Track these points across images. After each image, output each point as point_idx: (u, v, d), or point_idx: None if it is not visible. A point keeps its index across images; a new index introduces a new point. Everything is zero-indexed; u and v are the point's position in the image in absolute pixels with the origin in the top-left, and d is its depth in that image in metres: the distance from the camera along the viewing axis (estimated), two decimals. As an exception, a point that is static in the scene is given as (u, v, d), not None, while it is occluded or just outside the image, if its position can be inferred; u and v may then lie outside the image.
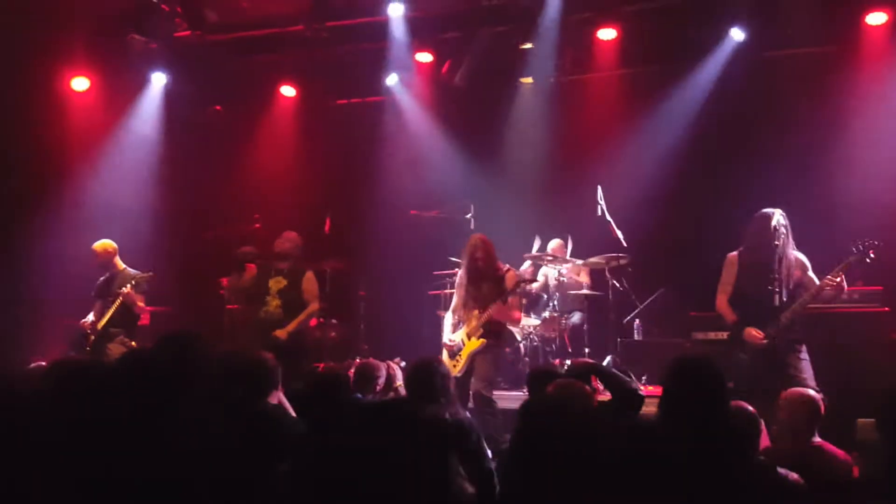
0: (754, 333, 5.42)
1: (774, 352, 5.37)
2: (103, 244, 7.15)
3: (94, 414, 2.69)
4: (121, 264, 7.18)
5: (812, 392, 4.07)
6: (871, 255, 5.34)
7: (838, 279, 5.33)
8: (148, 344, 7.07)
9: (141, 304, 7.06)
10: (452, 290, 6.69)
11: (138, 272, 7.10)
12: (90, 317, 7.03)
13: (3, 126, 8.42)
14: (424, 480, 2.20)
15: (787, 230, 5.53)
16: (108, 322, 6.92)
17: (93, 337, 6.89)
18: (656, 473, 2.32)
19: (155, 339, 3.40)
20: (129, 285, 6.86)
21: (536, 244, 8.02)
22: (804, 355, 5.42)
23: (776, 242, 5.46)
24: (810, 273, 5.58)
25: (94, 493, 2.30)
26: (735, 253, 5.77)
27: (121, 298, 6.85)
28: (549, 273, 8.40)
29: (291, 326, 6.56)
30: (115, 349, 6.79)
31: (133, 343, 6.93)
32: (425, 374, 3.85)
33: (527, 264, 8.28)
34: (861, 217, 7.24)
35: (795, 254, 5.60)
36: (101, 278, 7.21)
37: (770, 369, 5.31)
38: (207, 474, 2.36)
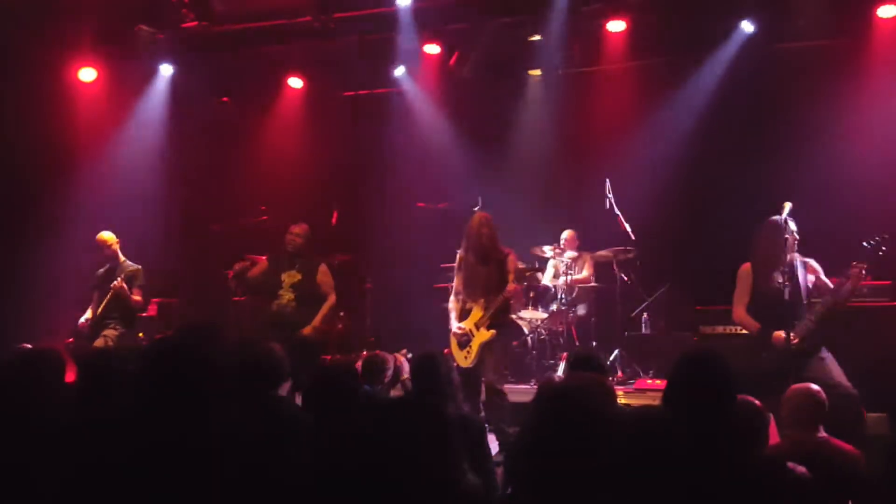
0: (783, 336, 5.37)
1: (798, 356, 5.31)
2: (109, 236, 7.23)
3: (117, 406, 2.70)
4: (121, 256, 7.24)
5: (815, 386, 4.02)
6: (884, 250, 5.29)
7: (860, 276, 5.29)
8: (156, 334, 7.22)
9: (137, 297, 7.14)
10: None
11: (135, 265, 7.17)
12: (87, 314, 7.15)
13: (11, 116, 8.44)
14: (428, 475, 2.18)
15: (791, 233, 5.49)
16: (103, 313, 7.07)
17: (90, 330, 7.06)
18: (662, 466, 2.31)
19: (171, 329, 3.41)
20: (119, 278, 6.96)
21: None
22: (825, 354, 5.40)
23: (784, 238, 5.44)
24: (823, 277, 5.54)
25: (113, 486, 2.29)
26: (748, 264, 5.69)
27: (112, 291, 6.99)
28: (557, 265, 8.38)
29: (317, 321, 6.51)
30: (109, 333, 7.00)
31: (123, 331, 7.08)
32: (430, 367, 3.83)
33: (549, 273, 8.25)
34: (873, 210, 7.21)
35: (806, 259, 5.57)
36: (101, 269, 7.29)
37: (792, 373, 5.27)
38: (226, 468, 2.35)
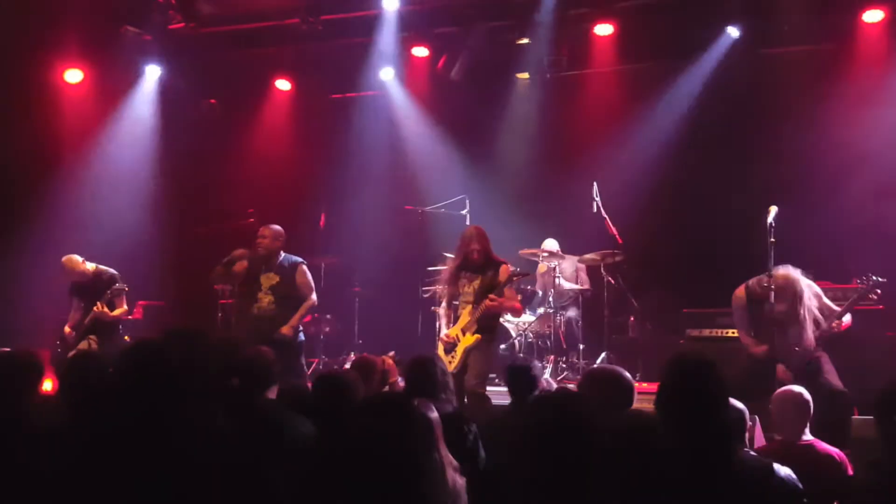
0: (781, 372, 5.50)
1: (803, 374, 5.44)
2: (69, 262, 7.09)
3: (100, 411, 2.68)
4: (90, 268, 7.12)
5: (799, 389, 4.04)
6: (877, 293, 5.57)
7: (845, 319, 5.54)
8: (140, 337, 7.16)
9: (120, 309, 7.11)
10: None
11: (112, 272, 7.09)
12: (69, 323, 7.10)
13: (-4, 118, 8.38)
14: (418, 476, 2.18)
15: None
16: (87, 328, 7.00)
17: (74, 340, 7.01)
18: (654, 470, 2.31)
19: (159, 332, 3.40)
20: (99, 303, 6.90)
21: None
22: (819, 353, 5.55)
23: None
24: (825, 300, 5.69)
25: (96, 494, 2.27)
26: (740, 287, 5.90)
27: (93, 314, 6.93)
28: (544, 269, 8.38)
29: (294, 321, 6.45)
30: (92, 338, 6.98)
31: (107, 338, 7.01)
32: (424, 369, 3.82)
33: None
34: (857, 214, 7.27)
35: (809, 284, 5.67)
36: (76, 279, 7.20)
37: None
38: (212, 474, 2.34)
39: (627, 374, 3.54)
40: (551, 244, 8.23)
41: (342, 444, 2.24)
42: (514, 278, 6.10)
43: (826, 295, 5.82)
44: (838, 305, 5.70)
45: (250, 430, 2.87)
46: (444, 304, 6.30)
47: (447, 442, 2.69)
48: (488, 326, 6.05)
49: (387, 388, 4.87)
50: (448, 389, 3.83)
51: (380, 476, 2.10)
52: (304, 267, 6.67)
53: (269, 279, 6.56)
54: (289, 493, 2.50)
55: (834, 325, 5.53)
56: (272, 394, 3.75)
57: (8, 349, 4.73)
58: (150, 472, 2.22)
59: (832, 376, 5.42)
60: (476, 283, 6.03)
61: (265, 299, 6.51)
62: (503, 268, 6.06)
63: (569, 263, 8.33)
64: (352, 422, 2.32)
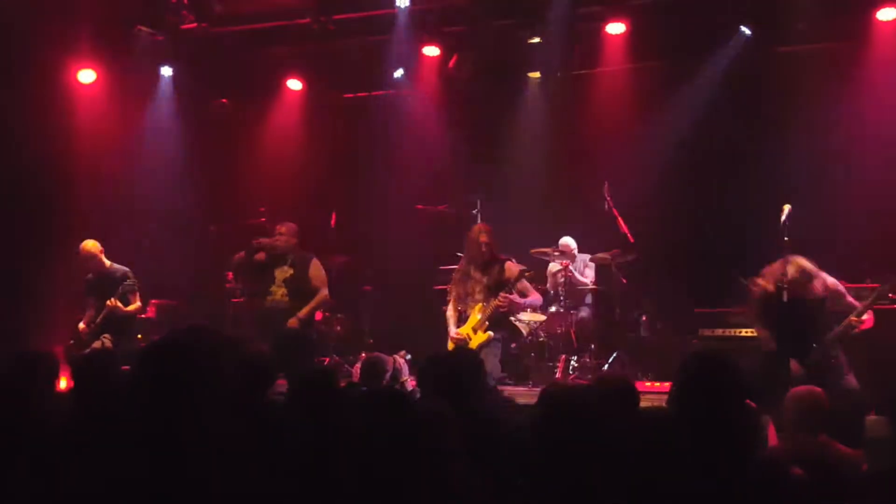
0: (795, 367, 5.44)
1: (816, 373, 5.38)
2: (92, 245, 7.13)
3: (112, 407, 2.69)
4: (107, 262, 7.17)
5: (816, 388, 4.01)
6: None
7: (865, 317, 5.41)
8: (154, 336, 7.20)
9: (134, 305, 7.14)
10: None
11: (125, 269, 7.12)
12: (83, 322, 7.12)
13: (10, 118, 8.41)
14: (417, 474, 2.17)
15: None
16: (101, 325, 7.02)
17: (88, 338, 7.03)
18: (669, 468, 2.30)
19: (166, 332, 3.40)
20: (113, 298, 6.93)
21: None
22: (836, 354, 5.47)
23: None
24: (849, 297, 5.58)
25: (107, 490, 2.27)
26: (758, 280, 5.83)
27: (107, 309, 6.95)
28: (555, 269, 8.36)
29: (303, 313, 6.48)
30: (106, 338, 7.00)
31: (121, 336, 7.03)
32: (455, 365, 3.78)
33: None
34: (871, 214, 7.22)
35: (825, 277, 5.58)
36: (90, 275, 7.22)
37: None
38: (214, 473, 2.34)
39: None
40: (568, 242, 8.20)
41: (339, 440, 2.24)
42: (526, 274, 6.11)
43: None
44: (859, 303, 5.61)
45: (250, 430, 2.88)
46: (451, 303, 6.32)
47: (472, 441, 2.68)
48: (499, 324, 6.06)
49: (398, 387, 4.88)
50: (482, 385, 3.81)
51: (377, 473, 2.10)
52: (317, 260, 6.75)
53: (283, 272, 6.66)
54: (288, 491, 2.50)
55: (854, 321, 5.43)
56: (273, 392, 3.76)
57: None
58: (161, 472, 2.22)
59: (848, 375, 5.38)
60: (483, 281, 6.04)
61: (278, 291, 6.62)
62: (509, 265, 6.07)
63: (579, 262, 8.31)
64: (348, 418, 2.32)
